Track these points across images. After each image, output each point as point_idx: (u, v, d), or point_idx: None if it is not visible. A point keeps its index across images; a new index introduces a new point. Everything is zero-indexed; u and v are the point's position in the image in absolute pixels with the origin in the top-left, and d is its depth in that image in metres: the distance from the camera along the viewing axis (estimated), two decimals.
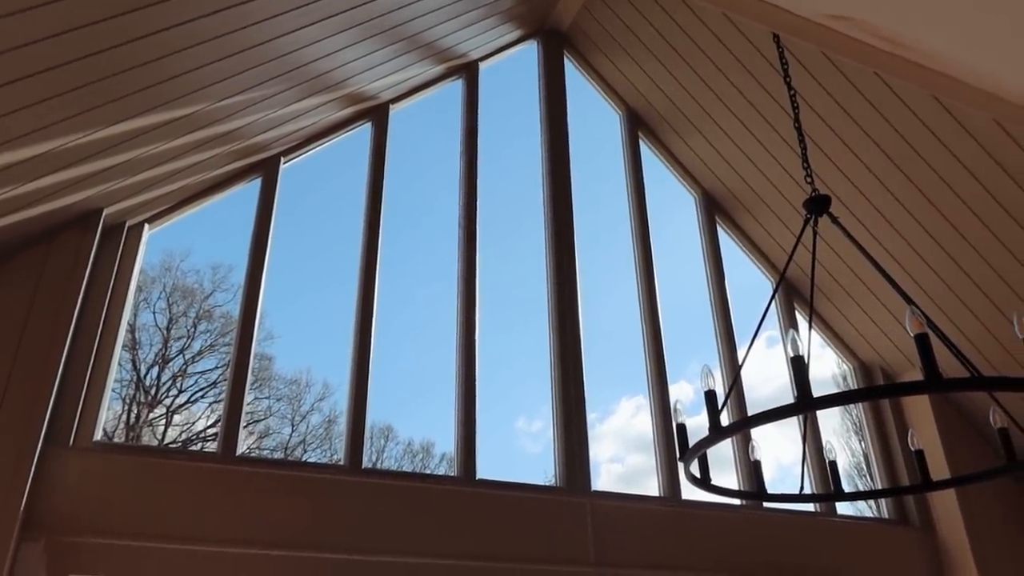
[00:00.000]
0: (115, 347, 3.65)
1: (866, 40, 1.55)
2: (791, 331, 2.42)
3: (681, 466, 2.79)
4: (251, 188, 4.36)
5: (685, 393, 5.62)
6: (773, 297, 3.16)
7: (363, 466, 3.88)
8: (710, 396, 2.59)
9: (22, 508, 3.05)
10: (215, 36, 3.26)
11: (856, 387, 5.72)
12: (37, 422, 3.19)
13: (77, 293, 3.49)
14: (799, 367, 2.38)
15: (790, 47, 4.31)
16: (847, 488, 5.07)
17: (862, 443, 6.25)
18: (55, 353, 3.33)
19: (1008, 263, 4.56)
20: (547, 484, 4.35)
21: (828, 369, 6.33)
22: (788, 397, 5.56)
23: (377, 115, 4.85)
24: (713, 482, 2.81)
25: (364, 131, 4.82)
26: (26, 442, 3.15)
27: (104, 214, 3.68)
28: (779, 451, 6.30)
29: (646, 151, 5.74)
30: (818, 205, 2.96)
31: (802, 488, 3.02)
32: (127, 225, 3.89)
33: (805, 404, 2.30)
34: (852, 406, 6.14)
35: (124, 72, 3.05)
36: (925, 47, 1.59)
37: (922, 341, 2.19)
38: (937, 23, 1.51)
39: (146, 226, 3.99)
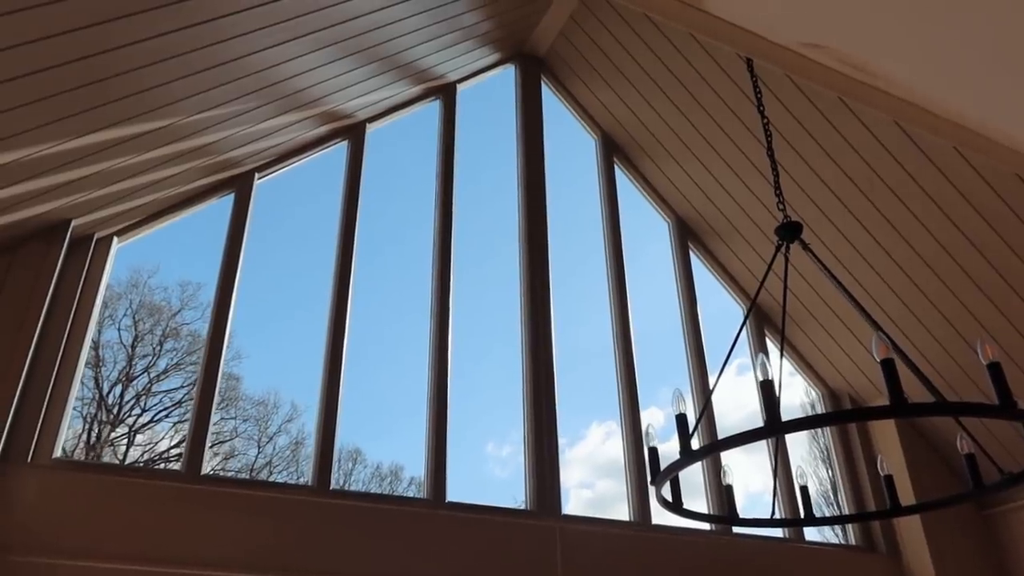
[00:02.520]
0: (78, 363, 3.57)
1: (838, 68, 1.58)
2: (760, 355, 2.44)
3: (653, 490, 2.78)
4: (223, 203, 4.32)
5: (656, 419, 5.64)
6: (744, 324, 3.19)
7: (331, 487, 3.82)
8: (681, 420, 2.60)
9: None
10: (190, 50, 3.24)
11: (833, 411, 5.78)
12: None
13: (41, 306, 3.41)
14: (768, 391, 2.40)
15: (761, 76, 4.39)
16: (816, 514, 5.09)
17: (829, 471, 6.30)
18: (15, 367, 3.25)
19: (971, 292, 4.65)
20: (517, 508, 4.31)
21: (796, 397, 6.40)
22: (759, 424, 5.60)
23: (354, 133, 4.84)
24: (684, 507, 2.81)
25: (340, 149, 4.80)
26: None
27: (72, 226, 3.62)
28: (748, 479, 6.33)
29: (621, 176, 5.80)
30: (789, 232, 3.00)
31: (773, 513, 3.03)
32: (95, 238, 3.82)
33: (774, 428, 2.32)
34: (820, 434, 6.20)
35: (96, 83, 3.02)
36: (893, 76, 1.63)
37: (888, 366, 2.22)
38: (906, 53, 1.54)
39: (115, 239, 3.93)
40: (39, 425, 3.32)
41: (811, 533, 5.17)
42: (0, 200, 3.18)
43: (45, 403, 3.37)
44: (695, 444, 2.58)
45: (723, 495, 4.80)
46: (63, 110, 3.01)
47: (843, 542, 5.40)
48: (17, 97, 2.80)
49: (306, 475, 3.83)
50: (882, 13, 1.41)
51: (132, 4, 2.80)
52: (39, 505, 3.15)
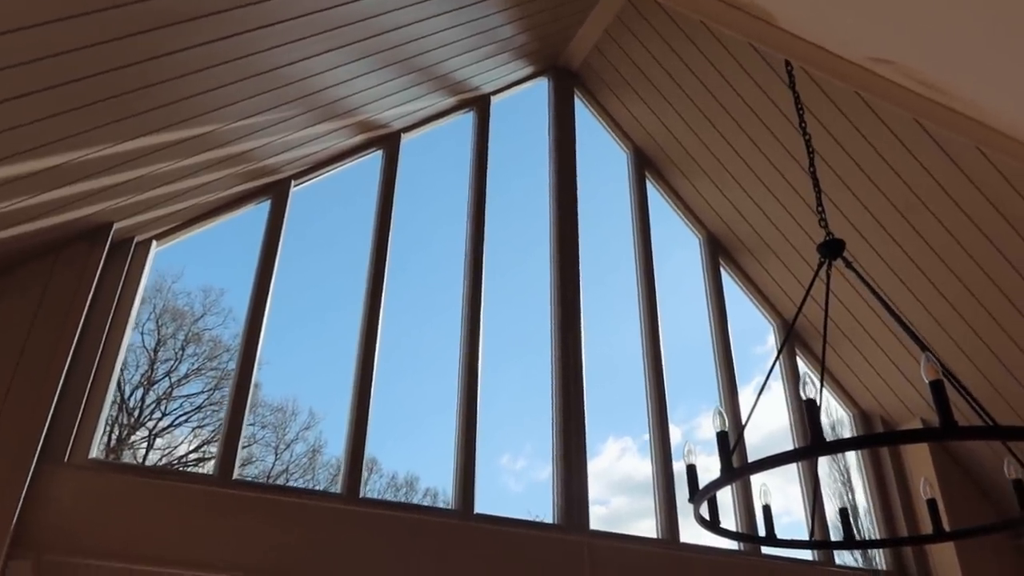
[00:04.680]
0: (116, 363, 3.60)
1: (905, 84, 1.57)
2: (805, 374, 2.41)
3: (683, 507, 2.75)
4: (252, 210, 4.35)
5: (673, 435, 5.59)
6: (783, 347, 3.16)
7: (360, 496, 3.82)
8: (722, 438, 2.56)
9: (13, 525, 2.96)
10: (231, 59, 3.28)
11: (854, 435, 5.70)
12: (34, 437, 3.13)
13: (82, 307, 3.44)
14: (812, 410, 2.36)
15: (802, 94, 4.37)
16: (835, 538, 5.01)
17: (850, 494, 6.23)
18: (56, 367, 3.28)
19: (1012, 316, 4.58)
20: (545, 521, 4.28)
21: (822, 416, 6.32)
22: (777, 443, 5.55)
23: (388, 143, 4.87)
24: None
25: (375, 158, 4.83)
26: (21, 457, 3.08)
27: (114, 229, 3.66)
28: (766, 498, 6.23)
29: (652, 191, 5.78)
30: (832, 249, 2.97)
31: (812, 534, 2.98)
32: (135, 241, 3.87)
33: (818, 448, 2.28)
34: (840, 457, 6.13)
35: (140, 90, 3.06)
36: (962, 93, 1.61)
37: (937, 388, 2.18)
38: (973, 69, 1.52)
39: (154, 243, 3.97)
40: (76, 425, 3.35)
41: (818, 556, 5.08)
42: (47, 202, 3.22)
43: (83, 403, 3.40)
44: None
45: (752, 514, 4.75)
46: (109, 115, 3.05)
47: (862, 565, 5.31)
48: (66, 102, 2.84)
49: (322, 483, 3.83)
50: (952, 30, 1.39)
51: (179, 13, 2.83)
52: (74, 505, 3.17)
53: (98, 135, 3.10)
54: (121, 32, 2.73)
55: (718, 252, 5.79)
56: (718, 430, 2.54)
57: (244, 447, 5.51)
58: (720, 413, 2.61)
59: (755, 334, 5.99)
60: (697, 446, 3.48)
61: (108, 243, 3.63)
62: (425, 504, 4.45)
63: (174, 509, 3.33)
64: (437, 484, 4.70)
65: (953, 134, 1.68)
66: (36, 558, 2.98)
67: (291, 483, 5.29)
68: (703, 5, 1.38)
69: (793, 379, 5.48)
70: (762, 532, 2.97)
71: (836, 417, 6.08)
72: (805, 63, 1.51)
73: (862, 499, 5.66)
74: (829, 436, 6.29)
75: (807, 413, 2.28)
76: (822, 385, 3.18)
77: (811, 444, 2.25)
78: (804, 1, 1.45)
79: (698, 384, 5.56)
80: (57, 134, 2.95)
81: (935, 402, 2.14)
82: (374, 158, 4.83)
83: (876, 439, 3.04)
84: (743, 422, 5.05)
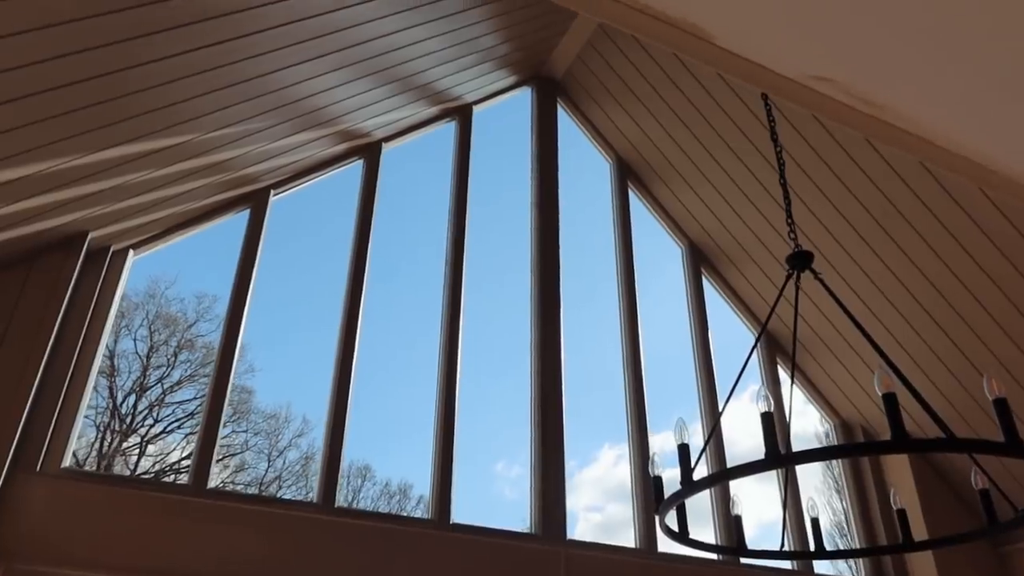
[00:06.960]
0: (91, 372, 3.60)
1: (848, 102, 1.58)
2: (762, 388, 2.42)
3: (658, 518, 2.76)
4: (243, 218, 4.36)
5: (669, 444, 5.58)
6: (753, 350, 3.17)
7: (336, 505, 3.81)
8: (683, 449, 2.57)
9: None
10: (210, 68, 3.29)
11: (837, 444, 5.71)
12: (5, 445, 3.13)
13: (56, 316, 3.45)
14: (768, 423, 2.36)
15: (778, 105, 4.40)
16: (828, 547, 5.02)
17: (843, 502, 6.22)
18: (29, 376, 3.29)
19: (987, 326, 4.60)
20: (522, 531, 4.28)
21: (811, 426, 6.33)
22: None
23: (369, 153, 4.88)
24: (691, 536, 2.78)
25: (356, 167, 4.84)
26: None
27: (89, 238, 3.67)
28: (761, 508, 6.24)
29: (635, 200, 5.80)
30: (800, 261, 2.98)
31: (783, 545, 2.99)
32: (112, 250, 3.87)
33: (773, 461, 2.29)
34: (833, 464, 6.12)
35: (117, 99, 3.08)
36: (899, 109, 1.62)
37: (889, 400, 2.19)
38: (909, 84, 1.54)
39: (131, 252, 3.97)
40: (49, 434, 3.35)
41: (821, 565, 5.09)
42: (21, 212, 3.23)
43: (56, 412, 3.40)
44: (705, 471, 2.56)
45: (731, 525, 4.76)
46: (84, 124, 3.07)
47: (854, 575, 5.32)
48: (40, 111, 2.86)
49: (315, 491, 3.84)
50: (891, 45, 1.41)
51: (153, 23, 2.85)
52: (46, 514, 3.17)
53: (74, 144, 3.11)
54: (97, 42, 2.75)
55: (700, 261, 5.81)
56: (679, 442, 2.55)
57: (237, 454, 5.50)
58: (683, 425, 2.62)
59: (747, 343, 6.02)
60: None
61: (83, 252, 3.63)
62: (405, 515, 4.45)
63: (146, 519, 3.32)
64: (429, 492, 4.73)
65: (897, 150, 1.70)
66: (7, 567, 2.98)
67: (284, 490, 5.28)
68: (638, 23, 1.39)
69: (775, 388, 5.50)
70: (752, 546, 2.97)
71: (829, 425, 6.08)
72: (746, 80, 1.52)
73: None
74: (821, 444, 6.30)
75: (763, 426, 2.30)
76: (792, 394, 3.20)
77: (766, 456, 2.26)
78: (741, 20, 1.46)
79: (691, 392, 5.58)
80: (32, 143, 2.96)
81: (887, 415, 2.15)
82: (355, 167, 4.85)
83: (832, 451, 3.06)
84: (721, 430, 5.05)
